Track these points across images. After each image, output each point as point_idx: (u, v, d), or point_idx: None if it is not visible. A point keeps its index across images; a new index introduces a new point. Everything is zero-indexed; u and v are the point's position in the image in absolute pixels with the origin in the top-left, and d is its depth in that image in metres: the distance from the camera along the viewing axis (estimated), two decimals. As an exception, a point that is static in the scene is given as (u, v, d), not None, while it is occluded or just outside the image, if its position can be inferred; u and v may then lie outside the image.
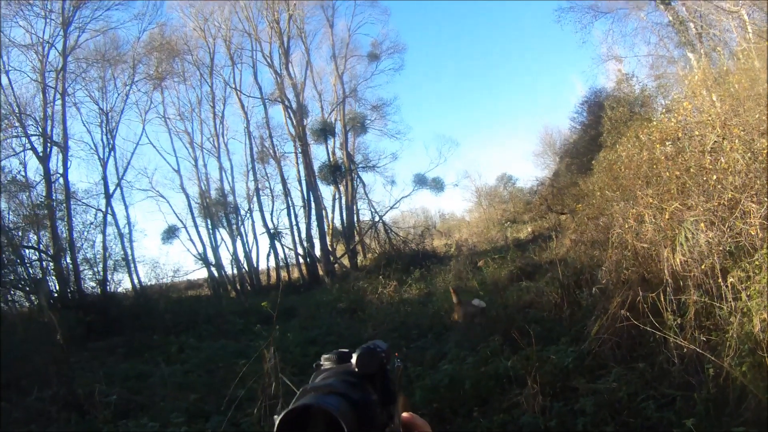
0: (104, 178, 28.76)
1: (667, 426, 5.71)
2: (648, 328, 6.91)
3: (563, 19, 25.63)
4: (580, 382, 7.40)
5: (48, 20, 25.38)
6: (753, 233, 7.07)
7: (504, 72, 72.39)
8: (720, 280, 6.86)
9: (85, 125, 29.53)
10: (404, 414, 1.12)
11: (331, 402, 0.84)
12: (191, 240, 34.21)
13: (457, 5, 66.83)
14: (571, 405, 6.91)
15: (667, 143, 9.94)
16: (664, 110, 14.64)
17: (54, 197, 24.40)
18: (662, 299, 7.38)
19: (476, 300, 13.22)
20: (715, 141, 8.51)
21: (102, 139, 29.31)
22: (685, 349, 6.65)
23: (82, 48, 27.44)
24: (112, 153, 29.65)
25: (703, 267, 7.32)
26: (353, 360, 1.00)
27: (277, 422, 0.82)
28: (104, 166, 29.00)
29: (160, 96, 33.82)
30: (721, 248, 7.37)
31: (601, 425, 6.27)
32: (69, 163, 25.74)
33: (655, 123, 11.79)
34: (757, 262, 6.72)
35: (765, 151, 7.54)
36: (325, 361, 1.04)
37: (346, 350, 1.05)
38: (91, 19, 26.95)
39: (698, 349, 6.40)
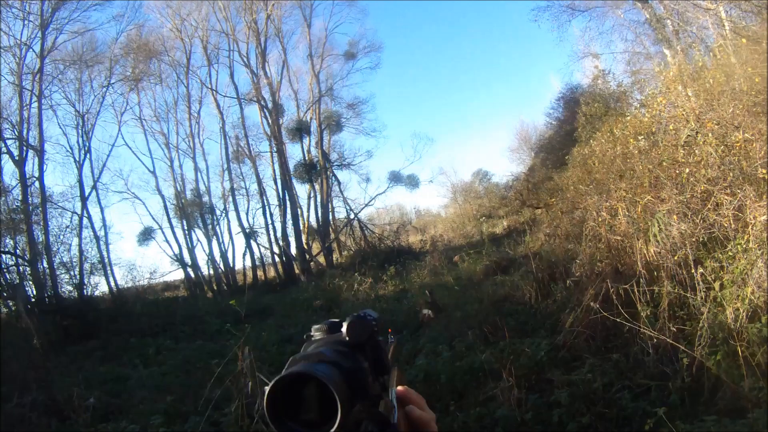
0: (80, 181, 28.55)
1: (642, 415, 5.72)
2: (619, 320, 6.93)
3: (540, 19, 25.64)
4: (555, 374, 7.40)
5: (26, 22, 25.07)
6: (726, 224, 7.13)
7: (481, 69, 73.19)
8: (693, 270, 6.90)
9: (61, 128, 29.31)
10: (399, 387, 1.10)
11: (321, 370, 0.84)
12: (167, 241, 34.00)
13: (434, 4, 66.95)
14: (546, 397, 6.92)
15: (640, 138, 10.02)
16: (638, 105, 14.77)
17: (30, 201, 24.03)
18: (636, 291, 7.42)
19: (425, 310, 13.30)
20: (689, 135, 8.58)
21: (78, 142, 29.14)
22: (656, 340, 6.69)
23: (59, 50, 27.21)
24: (88, 155, 29.44)
25: (675, 258, 7.38)
26: (343, 329, 0.99)
27: (267, 390, 0.82)
28: (80, 168, 28.80)
29: (136, 97, 33.61)
30: (694, 239, 7.44)
31: (577, 416, 6.26)
32: (45, 166, 25.50)
33: (629, 118, 11.88)
34: (730, 253, 6.79)
35: (739, 144, 7.61)
36: (316, 332, 1.04)
37: (337, 320, 1.04)
38: (68, 21, 26.68)
39: (668, 340, 6.44)
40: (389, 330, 1.24)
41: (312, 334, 1.04)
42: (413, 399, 1.09)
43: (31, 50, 25.44)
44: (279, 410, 0.84)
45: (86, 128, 29.24)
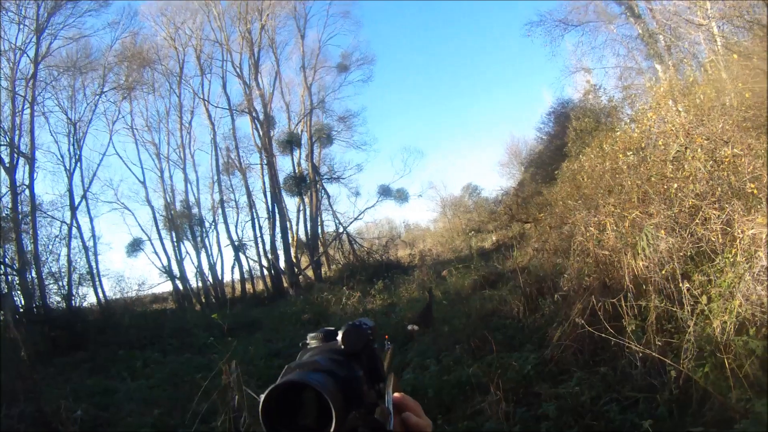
0: (70, 190, 28.28)
1: (630, 428, 5.72)
2: (604, 335, 6.93)
3: (533, 34, 25.79)
4: (542, 388, 7.39)
5: (21, 26, 24.97)
6: (714, 238, 7.17)
7: (472, 83, 73.43)
8: (681, 284, 6.93)
9: (53, 135, 28.96)
10: (395, 394, 1.11)
11: (316, 378, 0.84)
12: (156, 253, 33.68)
13: (427, 18, 67.66)
14: (534, 410, 6.92)
15: (629, 153, 10.06)
16: (628, 120, 14.85)
17: (19, 209, 23.87)
18: (623, 305, 7.43)
19: (410, 326, 13.30)
20: (678, 150, 8.63)
21: (69, 150, 28.85)
22: (640, 354, 6.69)
23: (53, 56, 27.04)
24: (79, 164, 29.20)
25: (663, 272, 7.40)
26: (339, 338, 1.00)
27: (261, 400, 0.83)
28: (70, 177, 28.52)
29: (128, 106, 33.46)
30: (682, 254, 7.46)
31: (565, 429, 6.27)
32: (35, 174, 25.30)
33: (618, 133, 11.95)
34: (718, 266, 6.82)
35: (728, 159, 7.66)
36: (311, 340, 1.04)
37: (332, 328, 1.04)
38: (64, 26, 26.57)
39: (654, 354, 6.44)
40: (386, 336, 1.24)
41: (308, 342, 1.04)
42: (410, 406, 1.11)
43: (25, 55, 25.40)
44: (274, 419, 0.84)
45: (78, 136, 29.06)
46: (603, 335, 6.95)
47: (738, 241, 6.72)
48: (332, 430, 0.80)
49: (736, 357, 5.77)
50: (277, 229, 34.38)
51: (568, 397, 6.83)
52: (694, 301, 6.70)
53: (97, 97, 29.80)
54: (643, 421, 5.51)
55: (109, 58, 30.09)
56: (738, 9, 11.29)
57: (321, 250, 36.18)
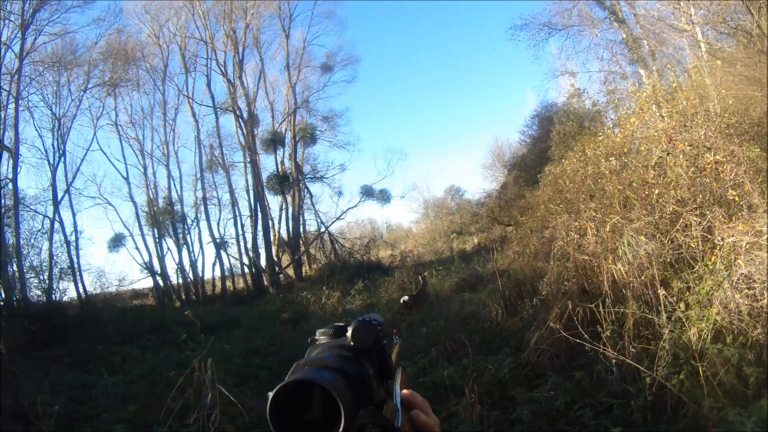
0: (53, 185, 28.08)
1: (604, 433, 5.70)
2: (578, 341, 6.90)
3: (517, 37, 25.81)
4: (518, 392, 7.37)
5: (6, 22, 24.64)
6: (694, 245, 7.14)
7: (457, 85, 73.54)
8: (659, 290, 6.90)
9: (37, 130, 28.79)
10: (404, 391, 1.10)
11: (324, 376, 0.82)
12: (137, 249, 33.44)
13: (412, 19, 67.58)
14: (508, 414, 6.90)
15: (611, 158, 10.05)
16: (611, 125, 14.86)
17: (2, 203, 23.72)
18: (601, 310, 7.40)
19: (402, 298, 13.51)
20: (660, 156, 8.61)
21: (53, 145, 28.71)
22: (614, 360, 6.67)
23: (38, 51, 26.85)
24: (63, 159, 29.03)
25: (642, 278, 7.37)
26: (348, 334, 0.97)
27: (270, 397, 0.81)
28: (54, 172, 28.33)
29: (112, 102, 33.27)
30: (661, 260, 7.44)
31: (538, 433, 6.24)
32: (19, 168, 25.22)
33: (601, 138, 11.93)
34: (697, 273, 6.80)
35: (710, 166, 7.65)
36: (320, 336, 1.03)
37: (342, 324, 1.02)
38: (49, 22, 26.33)
39: (628, 360, 6.41)
40: (395, 330, 1.25)
41: (317, 338, 1.03)
42: (418, 403, 1.09)
43: (10, 50, 25.09)
44: (282, 417, 0.82)
45: (62, 131, 28.91)
46: (578, 341, 6.92)
47: (718, 248, 6.71)
48: (341, 428, 0.78)
49: (712, 365, 5.74)
50: (259, 228, 34.33)
51: (542, 402, 6.80)
52: (672, 308, 6.68)
53: (82, 93, 29.64)
54: (616, 428, 5.47)
55: (93, 54, 29.96)
56: (722, 15, 11.30)
57: (302, 249, 36.04)
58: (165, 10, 34.20)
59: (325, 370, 0.84)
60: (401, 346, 1.25)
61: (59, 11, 26.44)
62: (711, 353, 5.79)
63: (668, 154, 8.44)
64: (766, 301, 5.87)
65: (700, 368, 5.70)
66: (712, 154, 7.75)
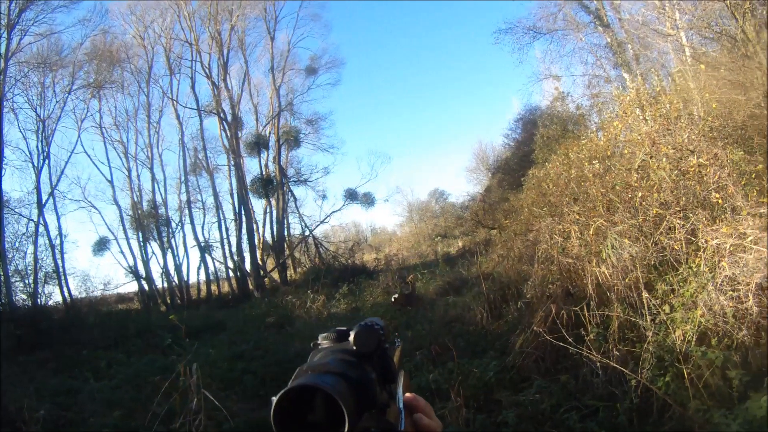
0: (37, 187, 27.75)
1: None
2: (562, 344, 6.90)
3: (501, 41, 25.85)
4: (503, 395, 7.37)
5: (-8, 23, 24.33)
6: (678, 248, 7.17)
7: (441, 88, 73.70)
8: (644, 293, 6.91)
9: (21, 132, 28.37)
10: (407, 394, 1.08)
11: (327, 381, 0.83)
12: (122, 252, 33.18)
13: (397, 23, 67.69)
14: (494, 417, 6.88)
15: (595, 161, 10.08)
16: (595, 129, 14.92)
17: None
18: (585, 313, 7.41)
19: (393, 296, 13.64)
20: (643, 159, 8.65)
21: (37, 147, 28.37)
22: (598, 363, 6.68)
23: (23, 52, 26.49)
24: (47, 161, 28.67)
25: (626, 281, 7.38)
26: (351, 339, 0.98)
27: (273, 403, 0.81)
28: (38, 174, 28.02)
29: (97, 104, 32.86)
30: (645, 262, 7.46)
31: (524, 437, 6.23)
32: (3, 171, 24.87)
33: (584, 141, 11.98)
34: (681, 276, 6.82)
35: (693, 169, 7.69)
36: (323, 340, 1.03)
37: (344, 328, 1.03)
38: (34, 22, 26.01)
39: (612, 363, 6.42)
40: (396, 333, 1.19)
41: (319, 342, 1.03)
42: (421, 407, 1.07)
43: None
44: (286, 422, 0.83)
45: (46, 134, 28.60)
46: (562, 344, 6.92)
47: (702, 250, 6.74)
48: None
49: (697, 367, 5.75)
50: (244, 231, 34.16)
51: (528, 405, 6.80)
52: (656, 311, 6.70)
53: (67, 94, 29.30)
54: (602, 430, 5.48)
55: (78, 55, 29.66)
56: (706, 20, 11.39)
57: (287, 252, 35.94)
58: (151, 11, 34.09)
59: (327, 375, 0.85)
60: (402, 350, 1.26)
61: (45, 11, 26.17)
62: (695, 355, 5.80)
63: (651, 157, 8.48)
64: (751, 302, 5.89)
65: (684, 370, 5.72)
66: (696, 157, 7.79)
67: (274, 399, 0.81)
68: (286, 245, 36.28)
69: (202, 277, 35.34)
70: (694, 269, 6.67)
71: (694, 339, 6.08)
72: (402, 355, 1.25)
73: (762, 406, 4.73)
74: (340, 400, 0.78)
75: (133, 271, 33.04)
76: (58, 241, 28.58)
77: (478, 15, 63.88)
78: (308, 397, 0.82)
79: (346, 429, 0.79)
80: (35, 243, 26.04)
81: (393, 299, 14.17)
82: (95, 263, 59.41)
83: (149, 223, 33.73)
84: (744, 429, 4.75)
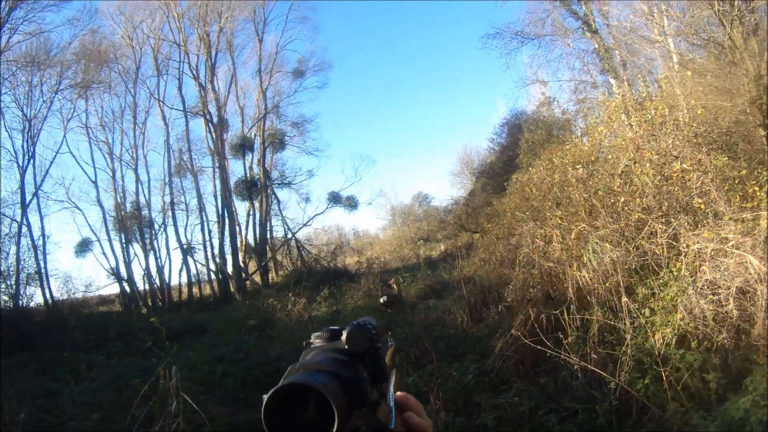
0: (22, 187, 27.43)
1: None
2: (540, 348, 6.90)
3: (489, 46, 25.86)
4: (482, 398, 7.37)
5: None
6: (659, 252, 7.19)
7: (427, 92, 73.85)
8: (624, 297, 6.92)
9: (7, 131, 27.97)
10: (398, 393, 1.08)
11: (319, 380, 0.83)
12: (104, 254, 32.64)
13: (384, 26, 67.79)
14: (473, 420, 6.90)
15: (578, 166, 10.10)
16: (580, 134, 14.96)
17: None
18: (566, 316, 7.41)
19: (382, 299, 13.79)
20: (626, 164, 8.68)
21: (22, 146, 28.04)
22: (576, 366, 6.68)
23: (12, 50, 26.25)
24: (32, 161, 28.35)
25: (607, 285, 7.40)
26: (343, 338, 0.98)
27: (265, 401, 0.81)
28: (23, 174, 27.67)
29: (83, 104, 32.51)
30: (626, 267, 7.47)
31: (503, 439, 6.22)
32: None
33: (568, 146, 12.01)
34: (662, 280, 6.84)
35: (676, 174, 7.72)
36: (316, 339, 1.03)
37: (337, 327, 1.03)
38: (24, 20, 25.76)
39: (590, 366, 6.43)
40: (389, 332, 1.28)
41: (312, 341, 1.03)
42: (412, 405, 1.08)
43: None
44: (276, 419, 0.83)
45: (32, 133, 28.29)
46: (540, 347, 6.92)
47: (683, 255, 6.76)
48: (335, 431, 0.79)
49: (676, 370, 5.77)
50: (227, 233, 33.86)
51: (507, 408, 6.83)
52: (636, 314, 6.71)
53: (54, 94, 29.01)
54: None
55: (67, 55, 29.38)
56: (694, 27, 11.47)
57: (269, 255, 35.81)
58: (140, 12, 33.80)
59: (319, 374, 0.85)
60: (395, 349, 1.26)
61: (35, 10, 25.91)
62: (674, 358, 5.81)
63: (635, 162, 8.51)
64: (731, 306, 5.91)
65: (663, 373, 5.73)
66: (679, 162, 7.82)
67: (265, 397, 0.81)
68: (268, 248, 36.16)
69: (184, 279, 35.03)
70: (675, 273, 6.69)
71: (673, 342, 6.11)
72: (394, 354, 1.25)
73: (740, 408, 4.74)
74: (331, 399, 0.79)
75: (115, 273, 32.65)
76: (41, 242, 28.33)
77: (466, 19, 64.32)
78: (299, 395, 0.82)
79: (335, 427, 0.79)
80: (18, 244, 25.83)
81: (382, 302, 14.20)
82: (77, 265, 58.95)
83: (132, 224, 33.42)
84: (722, 430, 4.76)
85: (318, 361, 0.91)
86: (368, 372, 0.96)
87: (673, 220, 7.31)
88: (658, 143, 8.52)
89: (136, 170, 34.04)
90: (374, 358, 0.99)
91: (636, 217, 7.88)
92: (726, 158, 8.01)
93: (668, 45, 14.89)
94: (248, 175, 35.29)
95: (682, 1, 13.85)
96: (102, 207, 32.77)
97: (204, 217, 34.46)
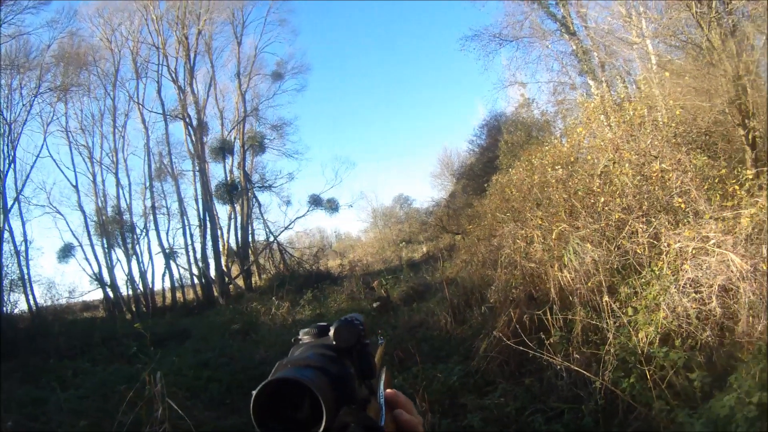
0: (2, 193, 27.06)
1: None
2: (523, 349, 6.93)
3: (467, 48, 25.88)
4: (468, 399, 7.37)
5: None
6: (640, 251, 7.24)
7: (406, 94, 73.56)
8: (606, 296, 6.97)
9: (-13, 136, 27.50)
10: (388, 390, 1.10)
11: (307, 375, 0.83)
12: (87, 259, 32.13)
13: (363, 28, 67.54)
14: (459, 421, 6.89)
15: (558, 167, 10.16)
16: (559, 135, 15.03)
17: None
18: (549, 317, 7.45)
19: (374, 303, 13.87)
20: (606, 165, 8.74)
21: (3, 151, 27.67)
22: (559, 366, 6.72)
23: None
24: (12, 165, 28.01)
25: (589, 284, 7.44)
26: (331, 334, 0.99)
27: (253, 396, 0.82)
28: (3, 179, 27.25)
29: (63, 107, 32.10)
30: (608, 266, 7.52)
31: (489, 440, 6.23)
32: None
33: (548, 147, 12.07)
34: (644, 279, 6.89)
35: (656, 174, 7.78)
36: (304, 335, 1.03)
37: (325, 324, 1.03)
38: (3, 23, 25.23)
39: (573, 366, 6.47)
40: (379, 331, 1.18)
41: (300, 337, 1.03)
42: (401, 402, 1.10)
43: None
44: (265, 414, 0.83)
45: (12, 137, 27.98)
46: (523, 348, 6.94)
47: (665, 254, 6.81)
48: (323, 426, 0.80)
49: (660, 368, 5.81)
50: (208, 237, 33.61)
51: (493, 408, 6.83)
52: (619, 313, 6.75)
53: (33, 97, 28.69)
54: (567, 432, 5.50)
55: (46, 57, 29.04)
56: (672, 29, 11.54)
57: (251, 259, 35.67)
58: (118, 14, 33.39)
59: (307, 369, 0.85)
60: (385, 348, 1.26)
61: (14, 11, 25.50)
62: (658, 356, 5.86)
63: (614, 163, 8.58)
64: (714, 304, 5.97)
65: (648, 372, 5.77)
66: (659, 162, 7.89)
67: (254, 392, 0.81)
68: (250, 251, 36.00)
69: (167, 284, 34.56)
70: (657, 272, 6.76)
71: (657, 340, 6.15)
72: (384, 353, 1.25)
73: (725, 405, 4.78)
74: (319, 394, 0.79)
75: (98, 279, 32.22)
76: (23, 248, 27.98)
77: (445, 21, 64.27)
78: (287, 390, 0.82)
79: (323, 422, 0.79)
80: (0, 250, 25.48)
81: (374, 305, 14.23)
82: (60, 270, 58.02)
83: (114, 229, 33.01)
84: (707, 428, 4.80)
85: (306, 356, 0.92)
86: (356, 368, 0.97)
87: (653, 219, 7.38)
88: (637, 143, 8.60)
89: (116, 174, 33.57)
90: (362, 354, 0.99)
91: (616, 217, 7.94)
92: (705, 158, 8.11)
93: (646, 46, 14.97)
94: (229, 178, 35.05)
95: (660, 2, 13.93)
96: (83, 211, 32.25)
97: (186, 221, 34.05)
